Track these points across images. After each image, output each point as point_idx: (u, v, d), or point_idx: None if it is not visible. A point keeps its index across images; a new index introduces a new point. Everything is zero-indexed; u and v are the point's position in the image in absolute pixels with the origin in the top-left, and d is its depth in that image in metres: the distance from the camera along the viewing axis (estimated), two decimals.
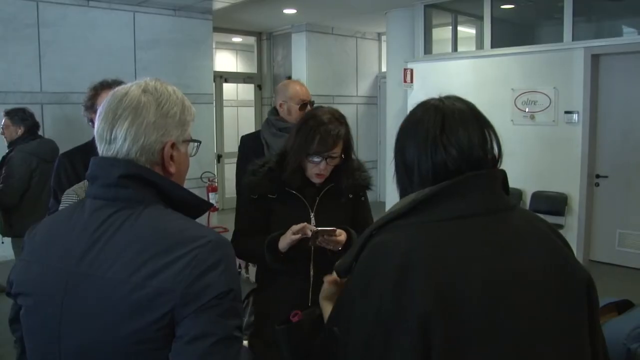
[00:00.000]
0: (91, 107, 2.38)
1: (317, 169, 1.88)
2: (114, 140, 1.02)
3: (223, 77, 8.45)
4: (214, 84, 7.36)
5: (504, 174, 1.01)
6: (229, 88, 8.74)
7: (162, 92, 1.07)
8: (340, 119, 1.90)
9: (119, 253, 0.91)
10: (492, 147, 1.00)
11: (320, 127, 1.84)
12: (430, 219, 0.94)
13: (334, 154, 1.87)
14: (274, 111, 2.76)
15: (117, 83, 2.43)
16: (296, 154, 1.88)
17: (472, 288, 0.88)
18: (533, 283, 0.93)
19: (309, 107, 2.67)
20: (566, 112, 5.35)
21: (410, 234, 0.93)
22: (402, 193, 1.03)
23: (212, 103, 7.19)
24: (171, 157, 1.04)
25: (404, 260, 0.89)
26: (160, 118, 1.03)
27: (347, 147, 1.93)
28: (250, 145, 2.71)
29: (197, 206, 1.05)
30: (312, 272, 1.91)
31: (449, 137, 0.98)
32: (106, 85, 2.41)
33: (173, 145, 1.05)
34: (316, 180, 1.92)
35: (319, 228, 1.78)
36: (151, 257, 0.89)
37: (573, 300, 0.95)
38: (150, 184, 0.99)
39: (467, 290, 0.88)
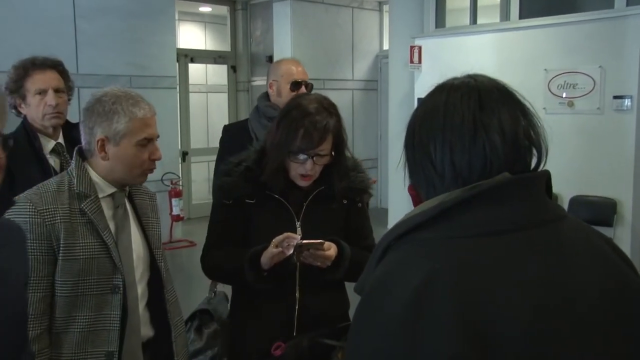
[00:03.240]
0: (16, 90, 2.37)
1: (302, 169, 1.89)
2: None
3: (189, 56, 8.43)
4: (177, 64, 7.35)
5: (548, 175, 1.00)
6: (196, 70, 8.73)
7: None
8: (329, 108, 1.91)
9: None
10: (536, 139, 0.99)
11: (305, 118, 1.85)
12: (461, 232, 0.92)
13: (322, 150, 1.88)
14: (265, 97, 2.78)
15: (52, 62, 2.44)
16: (277, 152, 1.89)
17: (513, 326, 0.86)
18: (590, 315, 0.91)
19: (304, 89, 2.70)
20: (615, 97, 5.24)
21: (434, 252, 0.92)
22: (427, 195, 1.02)
23: (175, 88, 7.18)
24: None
25: (422, 289, 0.87)
26: None
27: (339, 143, 1.93)
28: (235, 137, 2.71)
29: None
30: (297, 295, 1.91)
31: (491, 120, 0.96)
32: (39, 65, 2.40)
33: None
34: (302, 183, 1.93)
35: (303, 241, 1.79)
36: None
37: (638, 333, 0.94)
38: None
39: (507, 329, 0.86)
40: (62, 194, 1.69)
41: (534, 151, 0.99)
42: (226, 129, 2.87)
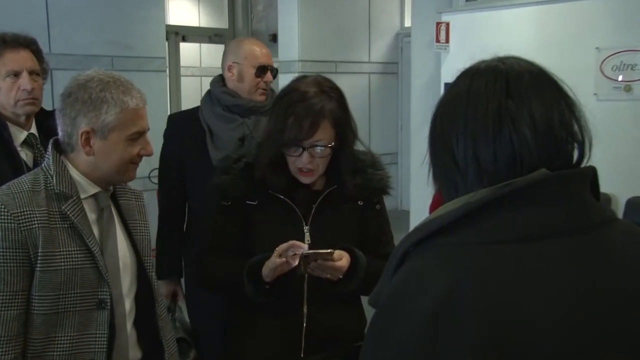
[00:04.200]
0: None
1: (299, 162, 1.89)
2: None
3: (180, 35, 8.46)
4: (166, 43, 7.36)
5: (594, 171, 1.00)
6: (188, 50, 8.76)
7: None
8: (329, 91, 1.90)
9: None
10: (577, 130, 0.99)
11: (299, 104, 1.85)
12: (487, 238, 0.92)
13: (318, 141, 1.87)
14: (220, 80, 2.75)
15: (25, 40, 2.43)
16: (269, 145, 1.90)
17: (545, 347, 0.86)
18: (638, 336, 0.91)
19: (269, 75, 2.69)
20: None
21: (457, 261, 0.92)
22: (449, 196, 1.02)
23: (165, 71, 7.19)
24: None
25: (441, 303, 0.88)
26: None
27: (342, 131, 1.92)
28: (182, 129, 2.70)
29: None
30: (305, 310, 1.92)
31: (519, 109, 0.96)
32: (10, 43, 2.38)
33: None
34: (303, 179, 1.93)
35: (310, 251, 1.80)
36: None
37: None
38: None
39: (539, 350, 0.86)
40: (38, 194, 1.66)
41: (574, 144, 0.99)
42: (171, 119, 2.83)
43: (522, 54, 1.06)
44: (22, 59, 2.38)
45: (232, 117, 2.64)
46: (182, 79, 8.45)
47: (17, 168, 2.24)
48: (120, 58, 6.41)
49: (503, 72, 1.00)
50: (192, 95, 8.80)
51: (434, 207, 3.21)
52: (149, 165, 7.11)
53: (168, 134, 2.76)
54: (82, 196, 1.72)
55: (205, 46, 9.10)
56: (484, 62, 1.05)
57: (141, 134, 1.74)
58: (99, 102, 1.67)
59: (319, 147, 1.88)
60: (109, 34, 6.37)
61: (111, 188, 1.82)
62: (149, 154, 1.78)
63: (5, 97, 2.35)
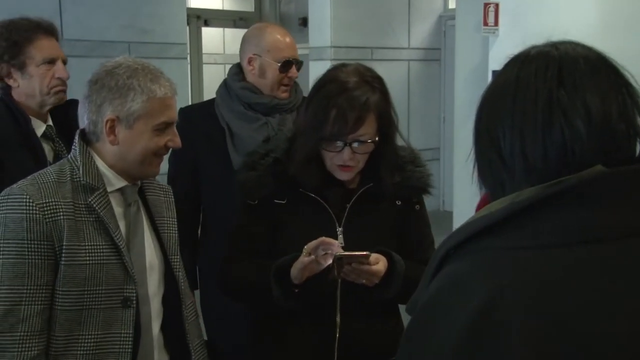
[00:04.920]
0: (13, 57, 2.39)
1: (338, 158, 1.91)
2: None
3: (202, 18, 8.53)
4: (187, 28, 7.42)
5: None
6: (211, 35, 8.81)
7: None
8: (372, 81, 1.92)
9: None
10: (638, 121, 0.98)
11: (341, 95, 1.86)
12: (535, 241, 0.92)
13: (362, 135, 1.89)
14: (238, 72, 2.69)
15: (54, 28, 2.50)
16: (306, 138, 1.92)
17: None
18: None
19: (294, 70, 2.64)
20: None
21: (501, 266, 0.92)
22: (494, 195, 1.02)
23: (186, 58, 7.25)
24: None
25: (483, 313, 0.88)
26: None
27: (385, 125, 1.95)
28: (197, 126, 2.62)
29: None
30: (338, 319, 1.93)
31: (572, 99, 0.95)
32: (45, 29, 2.45)
33: None
34: (341, 175, 1.95)
35: (344, 253, 1.81)
36: None
37: None
38: None
39: None
40: (63, 185, 1.73)
41: (635, 138, 0.98)
42: (184, 113, 2.67)
43: (581, 39, 1.04)
44: (56, 45, 2.49)
45: (254, 116, 2.60)
46: (205, 67, 8.49)
47: (40, 162, 2.30)
48: (138, 44, 6.44)
49: (556, 59, 0.99)
50: (215, 85, 8.82)
51: (481, 207, 3.20)
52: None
53: (180, 130, 2.69)
54: (108, 189, 1.78)
55: (230, 31, 9.15)
56: (535, 47, 1.04)
57: (168, 124, 1.79)
58: (126, 90, 1.73)
59: (362, 143, 1.89)
60: (125, 18, 6.41)
61: (139, 182, 1.87)
62: (177, 146, 1.83)
63: (39, 84, 2.43)
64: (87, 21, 6.26)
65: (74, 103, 2.21)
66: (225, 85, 2.69)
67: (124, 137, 1.76)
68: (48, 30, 2.48)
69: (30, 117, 2.43)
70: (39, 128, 2.45)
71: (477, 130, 1.05)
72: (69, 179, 1.74)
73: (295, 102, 2.69)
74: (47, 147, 2.46)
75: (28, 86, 2.43)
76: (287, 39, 2.67)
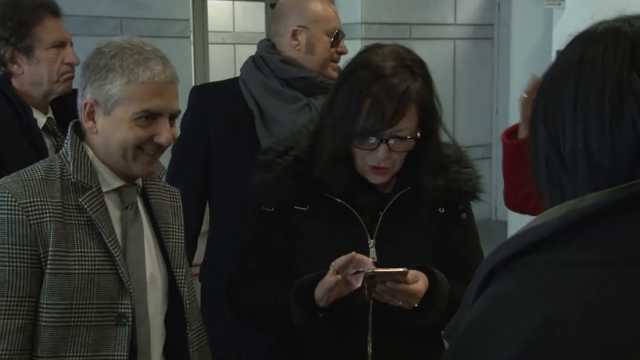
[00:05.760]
0: (20, 39, 2.44)
1: (372, 158, 1.91)
2: None
3: None
4: (190, 2, 7.46)
5: None
6: (218, 10, 8.84)
7: None
8: (413, 66, 1.91)
9: None
10: None
11: (376, 82, 1.86)
12: (598, 257, 0.92)
13: (401, 131, 1.89)
14: (272, 45, 2.67)
15: (32, 2, 2.54)
16: (334, 134, 1.92)
17: None
18: None
19: (343, 44, 2.65)
20: None
21: (555, 287, 0.92)
22: (552, 201, 1.02)
23: (189, 37, 7.29)
24: None
25: (533, 342, 0.88)
26: None
27: (428, 119, 1.95)
28: (214, 109, 2.60)
29: None
30: (370, 348, 1.94)
31: None
32: (53, 10, 2.52)
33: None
34: (375, 179, 1.96)
35: (378, 270, 1.80)
36: None
37: None
38: None
39: None
40: (52, 183, 1.75)
41: None
42: (198, 92, 2.68)
43: None
44: (62, 27, 2.56)
45: (294, 94, 2.57)
46: (211, 47, 8.52)
47: (43, 156, 2.34)
48: (132, 20, 6.50)
49: (628, 37, 0.98)
50: (222, 67, 8.88)
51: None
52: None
53: (191, 115, 2.64)
54: (104, 189, 1.80)
55: (240, 5, 9.16)
56: (603, 23, 1.03)
57: (154, 114, 1.78)
58: (106, 71, 1.75)
59: (401, 139, 1.89)
60: None
61: (140, 183, 1.89)
62: (165, 144, 1.82)
63: (47, 70, 2.49)
64: None
65: (73, 92, 2.25)
66: (253, 60, 2.66)
67: (102, 125, 1.78)
68: (55, 10, 2.54)
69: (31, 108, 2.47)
70: (41, 120, 2.50)
71: (532, 123, 1.05)
72: (58, 176, 1.76)
73: None
74: (48, 142, 2.50)
75: (35, 72, 2.49)
76: (332, 7, 2.69)
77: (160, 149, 1.82)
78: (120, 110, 1.76)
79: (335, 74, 2.61)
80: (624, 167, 0.95)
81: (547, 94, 1.03)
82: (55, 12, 2.54)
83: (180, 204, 2.01)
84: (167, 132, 1.80)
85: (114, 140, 1.78)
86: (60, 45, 2.50)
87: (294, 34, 2.61)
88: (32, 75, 2.48)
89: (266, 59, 2.61)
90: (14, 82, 2.48)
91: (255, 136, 2.52)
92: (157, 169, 1.94)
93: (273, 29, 2.70)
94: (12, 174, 1.76)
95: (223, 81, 2.83)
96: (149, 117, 1.78)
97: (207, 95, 2.68)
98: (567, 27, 6.42)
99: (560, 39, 6.85)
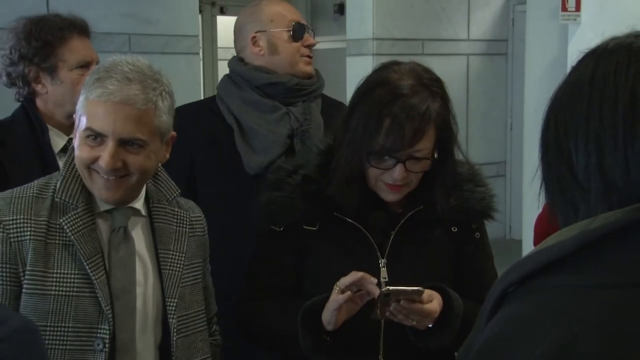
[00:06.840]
0: (43, 59, 2.46)
1: (388, 176, 1.91)
2: None
3: (217, 5, 8.60)
4: (200, 17, 7.48)
5: None
6: (228, 26, 8.82)
7: None
8: (431, 85, 1.92)
9: None
10: None
11: (395, 102, 1.86)
12: (617, 279, 0.92)
13: (419, 151, 1.89)
14: (240, 59, 2.69)
15: (59, 21, 2.55)
16: (350, 153, 1.92)
17: None
18: None
19: (309, 37, 2.65)
20: None
21: (570, 309, 0.92)
22: (565, 219, 1.02)
23: (198, 53, 7.30)
24: None
25: None
26: None
27: (445, 139, 1.95)
28: (192, 129, 2.57)
29: None
30: None
31: None
32: (79, 28, 2.55)
33: None
34: (389, 197, 1.96)
35: (393, 287, 1.80)
36: None
37: None
38: None
39: None
40: (42, 201, 1.75)
41: None
42: (178, 113, 2.53)
43: None
44: (90, 47, 2.58)
45: (271, 104, 2.56)
46: (220, 63, 8.54)
47: None
48: (140, 36, 6.50)
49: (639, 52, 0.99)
50: None
51: (540, 229, 3.15)
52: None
53: (176, 137, 2.63)
54: (101, 209, 1.80)
55: None
56: (615, 38, 1.04)
57: (98, 135, 1.73)
58: (84, 89, 1.78)
59: (418, 160, 1.90)
60: (125, 4, 6.44)
61: (139, 206, 1.87)
62: (104, 168, 1.73)
63: (70, 92, 2.48)
64: (79, 8, 6.09)
65: None
66: (229, 77, 2.68)
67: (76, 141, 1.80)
68: (82, 29, 2.57)
69: (52, 128, 2.49)
70: (59, 141, 2.52)
71: (544, 141, 1.05)
72: (50, 194, 1.77)
73: (319, 85, 2.69)
74: None
75: (58, 93, 2.51)
76: (287, 6, 2.71)
77: (113, 173, 1.74)
78: (80, 127, 1.77)
79: (309, 69, 2.65)
80: (639, 184, 0.95)
81: (559, 110, 1.04)
82: (83, 31, 2.56)
83: (187, 229, 1.96)
84: (107, 156, 1.72)
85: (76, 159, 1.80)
86: (85, 65, 2.51)
87: (254, 41, 2.63)
88: (55, 95, 2.50)
89: (239, 72, 2.64)
90: (38, 102, 2.51)
91: (236, 151, 2.53)
92: (168, 192, 1.93)
93: (236, 46, 2.72)
94: (7, 190, 1.78)
95: (200, 100, 2.88)
96: (96, 137, 1.74)
97: (187, 115, 2.62)
98: (583, 43, 6.38)
99: (575, 55, 6.88)
